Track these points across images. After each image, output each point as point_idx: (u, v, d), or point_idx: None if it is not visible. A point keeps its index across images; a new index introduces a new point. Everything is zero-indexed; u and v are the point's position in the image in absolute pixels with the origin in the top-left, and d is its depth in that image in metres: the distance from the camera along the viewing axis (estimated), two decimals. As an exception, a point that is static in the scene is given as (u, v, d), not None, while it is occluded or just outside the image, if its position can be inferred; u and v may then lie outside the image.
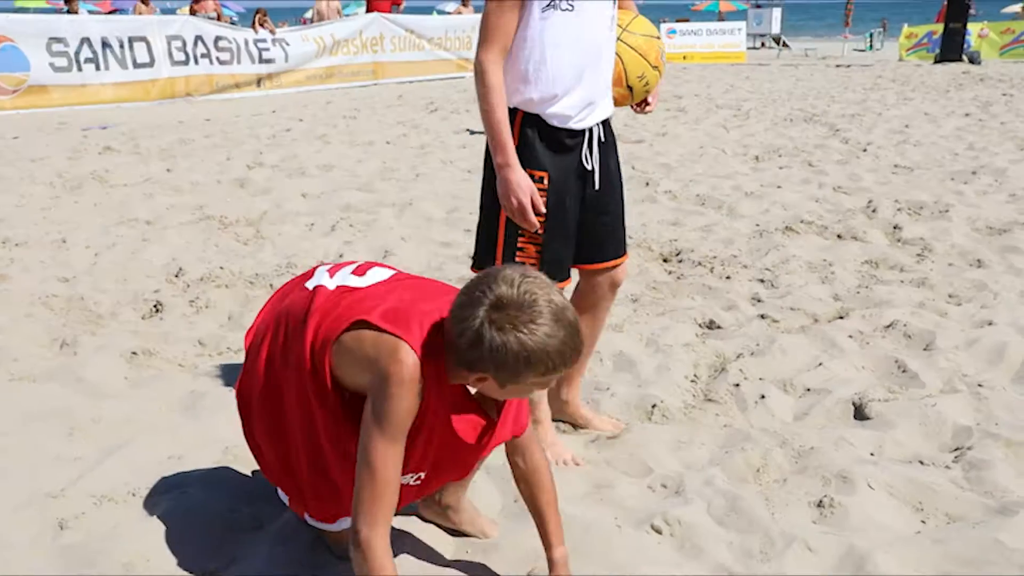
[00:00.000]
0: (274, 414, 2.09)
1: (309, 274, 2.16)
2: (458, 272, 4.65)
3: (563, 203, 2.63)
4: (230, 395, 3.16)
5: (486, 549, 2.29)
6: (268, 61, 15.01)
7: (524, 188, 2.48)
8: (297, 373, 1.98)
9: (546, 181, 2.59)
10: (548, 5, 2.46)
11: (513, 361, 1.75)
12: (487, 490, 2.56)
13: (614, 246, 2.83)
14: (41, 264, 4.80)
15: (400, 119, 11.22)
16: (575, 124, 2.59)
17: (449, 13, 26.91)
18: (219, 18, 15.43)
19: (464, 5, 20.88)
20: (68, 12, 16.03)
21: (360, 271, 2.08)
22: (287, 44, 15.34)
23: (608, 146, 2.74)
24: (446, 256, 5.03)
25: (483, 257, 2.70)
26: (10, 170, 7.49)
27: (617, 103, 2.80)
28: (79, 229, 5.50)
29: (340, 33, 16.21)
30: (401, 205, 6.19)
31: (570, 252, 2.72)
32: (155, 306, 4.16)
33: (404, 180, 7.18)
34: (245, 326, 3.89)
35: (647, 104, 2.89)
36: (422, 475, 2.01)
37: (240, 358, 3.54)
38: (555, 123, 2.57)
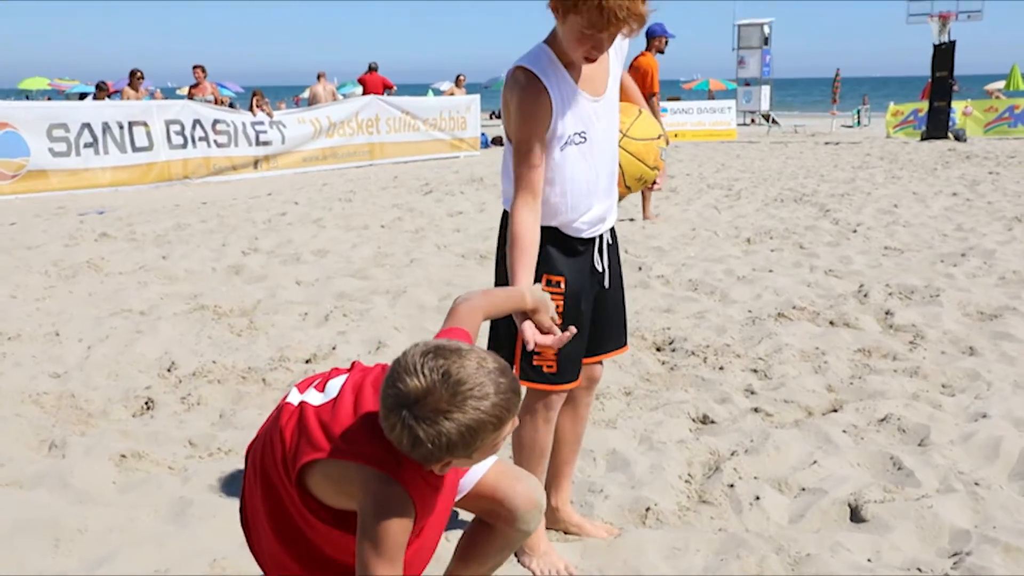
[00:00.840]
0: (277, 527, 2.03)
1: (296, 385, 2.16)
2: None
3: (578, 305, 2.69)
4: (219, 500, 3.14)
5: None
6: (265, 143, 15.20)
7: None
8: (285, 490, 1.95)
9: (563, 285, 2.65)
10: (565, 143, 2.52)
11: (460, 441, 1.70)
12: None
13: (613, 339, 2.90)
14: (33, 359, 4.78)
15: (395, 202, 11.32)
16: (587, 234, 2.68)
17: (443, 92, 27.36)
18: (216, 100, 15.66)
19: (457, 86, 21.24)
20: (95, 98, 16.29)
21: (320, 385, 2.05)
22: (284, 126, 15.56)
23: (612, 247, 2.82)
24: (439, 347, 5.02)
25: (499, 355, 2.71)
26: (6, 258, 7.52)
27: (621, 196, 2.87)
28: (72, 321, 5.50)
29: (336, 115, 16.45)
30: (395, 293, 6.20)
31: (583, 351, 2.76)
32: (146, 403, 4.14)
33: (398, 266, 7.21)
34: (236, 424, 3.88)
35: (655, 185, 2.94)
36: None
37: (230, 460, 3.52)
38: (570, 233, 2.65)
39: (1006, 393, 4.15)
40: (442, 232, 8.85)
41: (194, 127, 14.14)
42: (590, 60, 2.46)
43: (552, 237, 2.63)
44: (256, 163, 15.05)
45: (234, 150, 14.72)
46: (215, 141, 14.44)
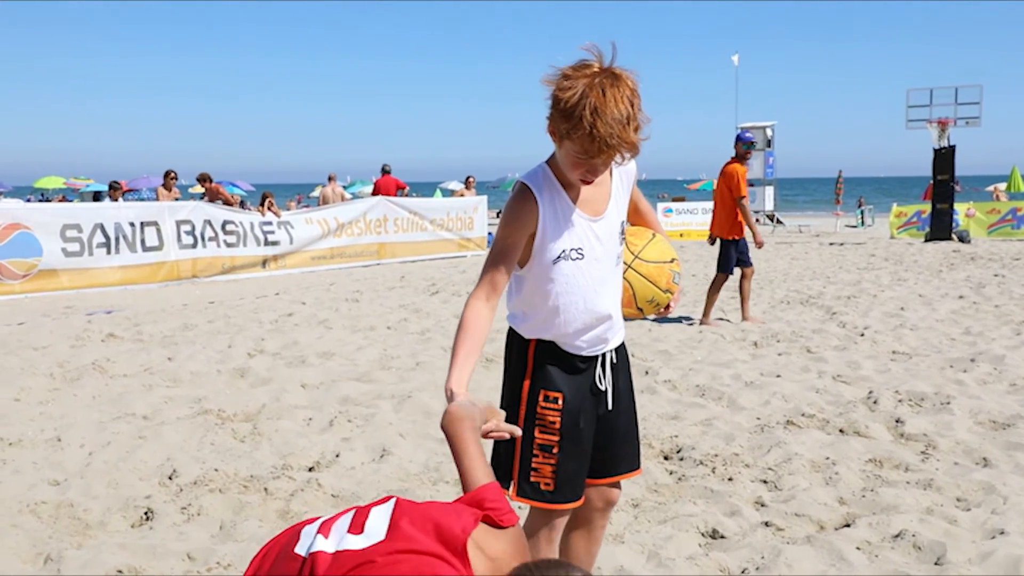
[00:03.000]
0: None
1: (294, 535, 2.08)
2: (455, 473, 4.57)
3: (577, 423, 2.68)
4: (216, 621, 3.05)
5: None
6: (273, 243, 15.37)
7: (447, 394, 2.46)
8: None
9: (560, 401, 2.65)
10: (558, 258, 2.56)
11: None
12: None
13: (622, 462, 2.87)
14: (33, 465, 4.73)
15: (402, 302, 11.37)
16: (587, 352, 2.69)
17: (453, 192, 27.79)
18: (224, 199, 15.88)
19: (468, 187, 21.56)
20: (109, 198, 16.59)
21: (357, 527, 2.00)
22: (292, 227, 15.75)
23: (620, 367, 2.80)
24: (444, 455, 4.95)
25: (499, 472, 2.69)
26: (12, 359, 7.52)
27: (632, 317, 2.87)
28: (75, 426, 5.46)
29: (344, 216, 16.67)
30: (400, 397, 6.16)
31: (584, 471, 2.74)
32: (146, 513, 4.07)
33: (404, 369, 7.18)
34: (236, 537, 3.80)
35: (668, 308, 2.93)
36: None
37: (229, 575, 3.43)
38: (568, 350, 2.66)
39: (1023, 508, 4.06)
40: (448, 334, 8.84)
41: (204, 227, 14.33)
42: (586, 182, 2.54)
43: (551, 353, 2.66)
44: (264, 262, 15.19)
45: (243, 250, 14.88)
46: (225, 241, 14.61)
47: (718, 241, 9.95)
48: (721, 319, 9.84)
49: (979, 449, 4.97)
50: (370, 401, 6.12)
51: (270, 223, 15.42)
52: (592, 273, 2.61)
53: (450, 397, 2.40)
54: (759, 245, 9.79)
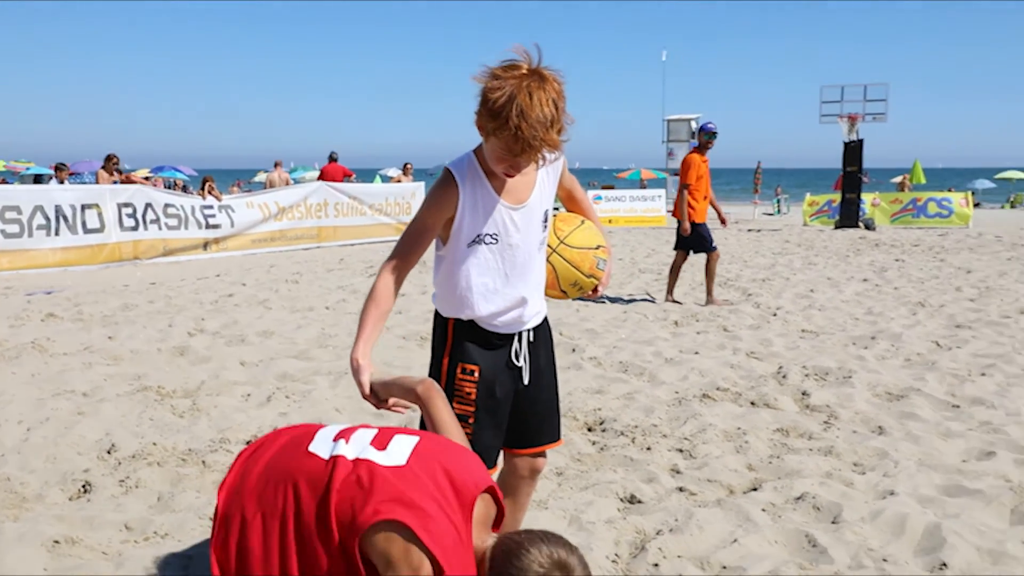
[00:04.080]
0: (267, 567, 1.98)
1: (304, 436, 2.11)
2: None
3: (493, 395, 2.72)
4: (152, 588, 3.03)
5: None
6: (214, 227, 15.09)
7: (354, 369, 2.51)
8: (322, 544, 1.93)
9: (477, 374, 2.70)
10: (473, 241, 2.59)
11: None
12: None
13: (543, 434, 2.91)
14: (-29, 441, 4.61)
15: (340, 284, 11.28)
16: (503, 331, 2.72)
17: (391, 178, 27.56)
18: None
19: (405, 173, 21.42)
20: (56, 180, 16.14)
21: (380, 444, 2.05)
22: (233, 211, 15.47)
23: (538, 344, 2.84)
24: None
25: None
26: (-50, 339, 7.28)
27: (557, 298, 2.90)
28: (13, 403, 5.32)
29: (285, 200, 16.44)
30: (337, 374, 6.14)
31: (500, 441, 2.79)
32: (83, 486, 4.00)
33: (341, 347, 7.15)
34: (173, 508, 3.76)
35: (595, 291, 2.95)
36: None
37: (166, 544, 3.40)
38: (485, 327, 2.70)
39: (911, 471, 4.23)
40: (385, 314, 8.81)
41: (146, 210, 14.00)
42: (510, 176, 2.57)
43: (469, 330, 2.70)
44: (206, 245, 14.91)
45: (184, 232, 14.57)
46: (166, 224, 14.29)
47: (683, 226, 9.95)
48: (645, 299, 9.98)
49: (875, 418, 5.14)
50: (308, 377, 6.08)
51: (211, 207, 15.13)
52: (507, 258, 2.64)
53: (356, 367, 2.43)
54: (684, 232, 9.94)
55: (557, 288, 2.87)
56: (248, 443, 4.61)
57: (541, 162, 2.53)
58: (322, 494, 1.94)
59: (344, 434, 2.10)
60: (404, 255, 2.59)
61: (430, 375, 2.75)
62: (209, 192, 15.36)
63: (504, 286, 2.66)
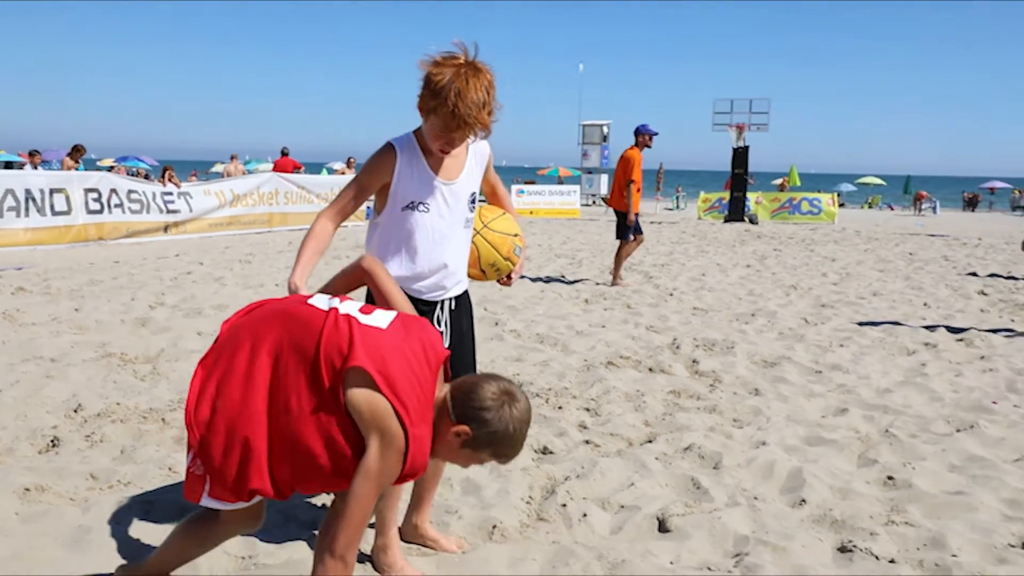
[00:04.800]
0: (251, 393, 1.99)
1: (306, 296, 2.15)
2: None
3: None
4: (117, 529, 2.98)
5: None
6: (174, 211, 14.66)
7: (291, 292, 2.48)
8: (309, 379, 1.98)
9: None
10: (406, 206, 2.59)
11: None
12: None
13: None
14: (-55, 402, 4.43)
15: (289, 264, 11.09)
16: (427, 297, 2.69)
17: (336, 171, 27.15)
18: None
19: (348, 166, 21.14)
20: (30, 165, 15.46)
21: (366, 312, 2.12)
22: (191, 197, 15.05)
23: (460, 311, 2.83)
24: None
25: None
26: (-77, 309, 6.95)
27: (474, 279, 2.90)
28: (-15, 367, 5.13)
29: (240, 189, 16.07)
30: (286, 343, 6.06)
31: None
32: (52, 441, 3.89)
33: (290, 320, 7.05)
34: (136, 460, 3.69)
35: (509, 278, 2.96)
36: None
37: (129, 491, 3.34)
38: (411, 294, 2.67)
39: (780, 425, 4.40)
40: (330, 291, 8.72)
41: (111, 195, 13.51)
42: (445, 153, 2.60)
43: None
44: (166, 228, 14.48)
45: (146, 216, 14.11)
46: (129, 208, 13.82)
47: (615, 213, 9.97)
48: (560, 280, 10.08)
49: (752, 382, 5.33)
50: (259, 346, 5.99)
51: (171, 193, 14.69)
52: (435, 227, 2.65)
53: (293, 289, 2.44)
54: (630, 223, 10.05)
55: (478, 267, 2.87)
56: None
57: (472, 138, 2.56)
58: (316, 337, 1.99)
59: (338, 299, 2.15)
60: (340, 206, 2.60)
61: None
62: (169, 180, 14.93)
63: (430, 251, 2.65)
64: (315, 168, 35.87)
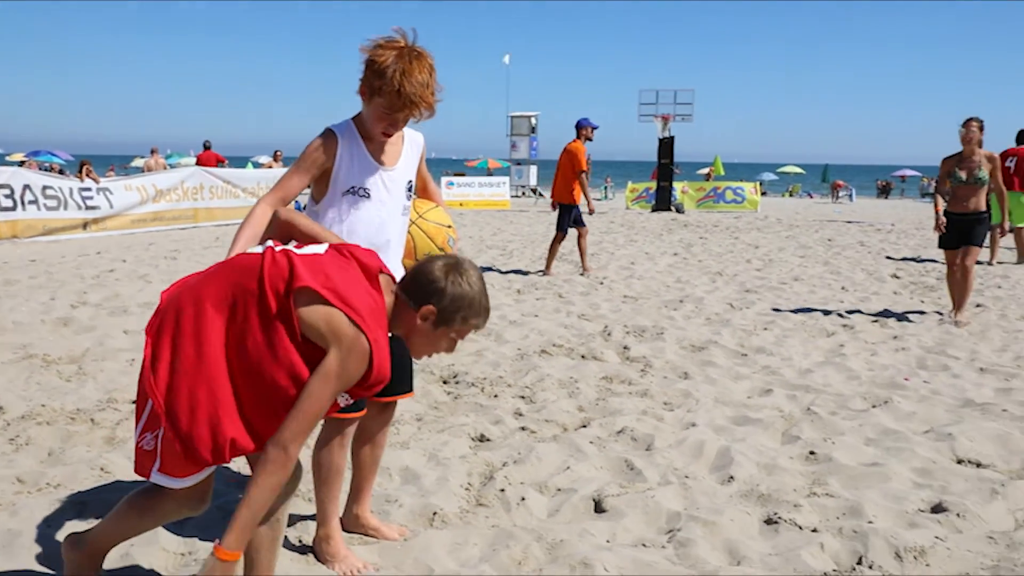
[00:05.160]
0: (206, 347, 1.99)
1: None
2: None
3: None
4: (49, 532, 2.92)
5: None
6: (93, 208, 14.16)
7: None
8: (260, 316, 1.99)
9: None
10: (347, 191, 2.61)
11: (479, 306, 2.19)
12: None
13: (401, 383, 2.90)
14: None
15: (217, 259, 10.85)
16: None
17: (263, 165, 26.59)
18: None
19: (275, 160, 20.76)
20: None
21: (300, 246, 2.21)
22: (111, 193, 14.57)
23: None
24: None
25: None
26: None
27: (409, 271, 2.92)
28: None
29: (163, 184, 15.62)
30: (217, 340, 5.96)
31: None
32: (-26, 446, 3.77)
33: (220, 316, 6.93)
34: (65, 461, 3.61)
35: None
36: (375, 389, 2.12)
37: (59, 493, 3.27)
38: None
39: (709, 407, 4.56)
40: (260, 286, 8.58)
41: (24, 191, 12.98)
42: (387, 135, 2.63)
43: None
44: (85, 225, 13.99)
45: (63, 213, 13.60)
46: (45, 205, 13.31)
47: (558, 205, 10.01)
48: (492, 270, 10.14)
49: (682, 366, 5.49)
50: (189, 343, 5.88)
51: (89, 189, 14.19)
52: (375, 212, 2.67)
53: None
54: (591, 211, 10.13)
55: (413, 257, 2.90)
56: (134, 402, 4.45)
57: (416, 118, 2.58)
58: (258, 274, 2.02)
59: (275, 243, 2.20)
60: (280, 193, 2.57)
61: None
62: (87, 175, 14.41)
63: (373, 237, 2.66)
64: (239, 162, 35.11)
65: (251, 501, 1.93)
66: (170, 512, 2.23)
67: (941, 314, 7.41)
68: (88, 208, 14.06)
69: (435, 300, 2.11)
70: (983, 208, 7.11)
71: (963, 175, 7.05)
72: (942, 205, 7.26)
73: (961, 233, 7.13)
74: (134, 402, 4.44)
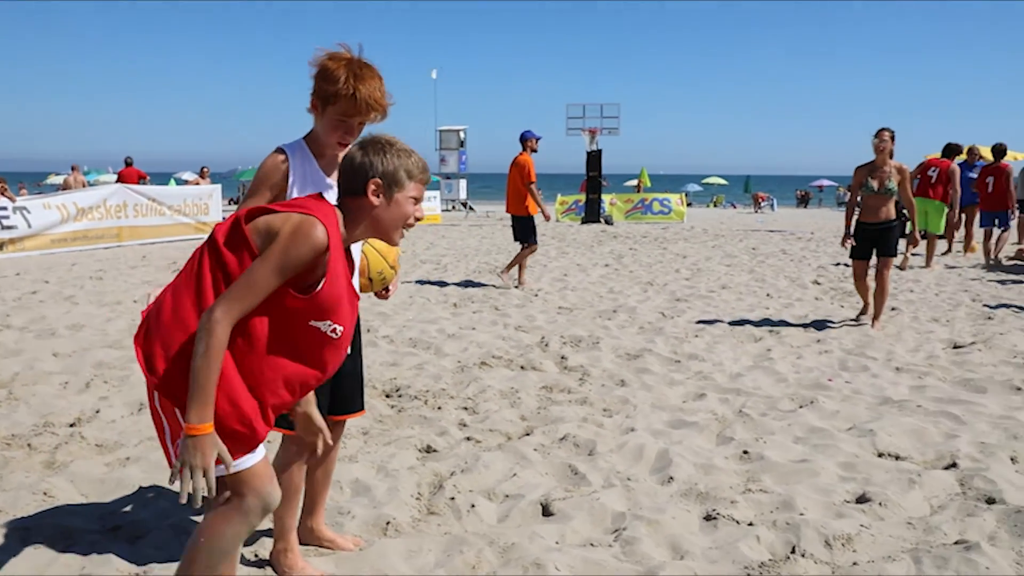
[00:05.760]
0: (186, 332, 2.01)
1: None
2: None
3: None
4: (-4, 557, 2.88)
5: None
6: (10, 227, 13.66)
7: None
8: (214, 262, 2.05)
9: None
10: None
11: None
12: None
13: (353, 402, 2.97)
14: None
15: (145, 279, 10.64)
16: None
17: (187, 182, 26.06)
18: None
19: (202, 176, 20.38)
20: None
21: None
22: (28, 212, 14.07)
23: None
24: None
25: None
26: None
27: (363, 290, 2.96)
28: None
29: (84, 202, 15.16)
30: (152, 360, 5.87)
31: (324, 407, 2.78)
32: (-95, 475, 3.66)
33: (153, 336, 6.81)
34: (5, 488, 3.54)
35: (387, 292, 3.00)
36: (338, 327, 2.10)
37: (0, 519, 3.22)
38: None
39: (646, 412, 4.74)
40: (192, 305, 8.44)
41: (-67, 212, 12.45)
42: (344, 144, 2.66)
43: None
44: (1, 245, 13.48)
45: (-23, 233, 13.09)
46: (-44, 225, 12.78)
47: (512, 218, 10.16)
48: (426, 283, 10.19)
49: (619, 374, 5.67)
50: (124, 364, 5.78)
51: (4, 208, 13.68)
52: None
53: None
54: (547, 219, 10.22)
55: (366, 275, 2.94)
56: (72, 425, 4.39)
57: (371, 120, 2.62)
58: (211, 234, 2.10)
59: None
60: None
61: None
62: (2, 194, 13.89)
63: None
64: (162, 179, 34.26)
65: (194, 371, 1.92)
66: (253, 514, 2.10)
67: (856, 320, 7.77)
68: (4, 228, 13.56)
69: (372, 174, 2.13)
70: (893, 217, 7.38)
71: (875, 185, 7.26)
72: (852, 219, 7.48)
73: (873, 243, 7.38)
74: (71, 425, 4.39)
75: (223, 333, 1.93)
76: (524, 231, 10.08)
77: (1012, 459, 3.94)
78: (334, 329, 2.09)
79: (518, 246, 10.33)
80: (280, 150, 2.67)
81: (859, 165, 7.43)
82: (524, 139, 10.14)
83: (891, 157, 7.30)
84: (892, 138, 7.29)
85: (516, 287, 9.95)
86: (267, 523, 3.14)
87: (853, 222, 7.50)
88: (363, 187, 2.13)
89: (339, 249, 2.07)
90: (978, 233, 14.37)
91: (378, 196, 2.14)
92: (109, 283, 10.20)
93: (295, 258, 1.97)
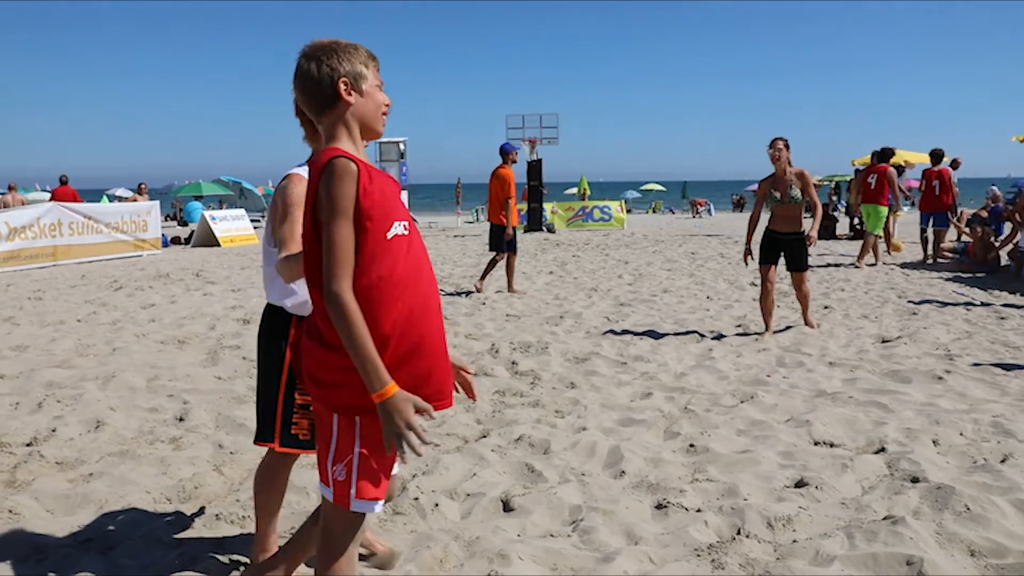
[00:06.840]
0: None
1: None
2: (169, 434, 4.56)
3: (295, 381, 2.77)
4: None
5: None
6: (-60, 248, 13.27)
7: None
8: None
9: (286, 360, 2.75)
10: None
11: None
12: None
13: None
14: None
15: (87, 298, 10.47)
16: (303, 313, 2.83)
17: (124, 199, 25.52)
18: None
19: (140, 193, 20.02)
20: None
21: None
22: (-41, 232, 13.68)
23: None
24: (156, 421, 4.89)
25: (263, 429, 2.80)
26: None
27: None
28: None
29: (16, 221, 14.78)
30: (105, 378, 5.86)
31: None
32: None
33: (102, 355, 6.78)
34: (-32, 507, 3.55)
35: None
36: (405, 223, 2.10)
37: (-31, 538, 3.24)
38: (295, 312, 2.77)
39: (597, 412, 4.94)
40: (138, 323, 8.40)
41: None
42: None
43: (283, 318, 2.78)
44: (-70, 267, 13.08)
45: (-95, 256, 12.67)
46: None
47: (492, 227, 10.39)
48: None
49: (568, 376, 5.87)
50: (75, 383, 5.75)
51: (-67, 229, 13.29)
52: None
53: None
54: (508, 236, 10.35)
55: None
56: (29, 444, 4.39)
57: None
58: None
59: None
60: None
61: (267, 366, 2.79)
62: (-70, 214, 13.48)
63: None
64: (93, 196, 33.42)
65: (348, 347, 1.96)
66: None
67: (760, 334, 7.32)
68: (-67, 250, 13.15)
69: (336, 76, 2.11)
70: (801, 228, 7.28)
71: (778, 195, 7.16)
72: (751, 235, 7.41)
73: (784, 254, 7.25)
74: (28, 445, 4.38)
75: (349, 299, 1.96)
76: (500, 240, 10.34)
77: (934, 442, 4.26)
78: (404, 226, 2.11)
79: (491, 255, 10.61)
80: (300, 176, 2.66)
81: (762, 178, 7.40)
82: (505, 152, 10.41)
83: (790, 165, 7.21)
84: (787, 146, 7.20)
85: (510, 294, 10.27)
86: (237, 529, 3.24)
87: (751, 239, 7.40)
88: (335, 92, 2.11)
89: (363, 161, 2.10)
90: (915, 233, 15.14)
91: (351, 94, 2.14)
92: (49, 303, 10.01)
93: (346, 195, 1.99)
